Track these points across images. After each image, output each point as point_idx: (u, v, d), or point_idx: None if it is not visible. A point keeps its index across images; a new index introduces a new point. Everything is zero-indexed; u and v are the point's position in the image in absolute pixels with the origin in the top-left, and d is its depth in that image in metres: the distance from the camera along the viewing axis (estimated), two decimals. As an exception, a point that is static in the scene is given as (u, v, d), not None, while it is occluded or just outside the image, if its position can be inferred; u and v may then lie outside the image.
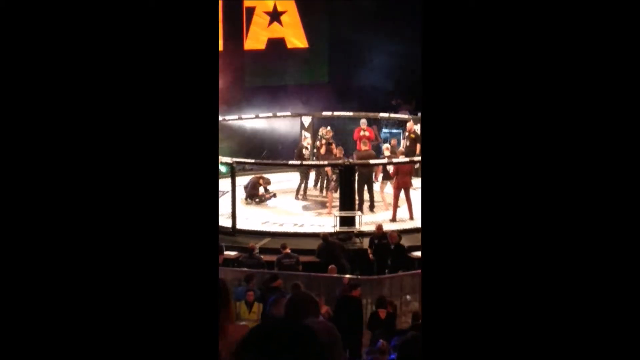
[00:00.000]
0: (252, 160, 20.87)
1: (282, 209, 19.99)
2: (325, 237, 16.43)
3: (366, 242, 16.99)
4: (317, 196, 20.85)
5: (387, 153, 19.69)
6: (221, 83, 23.23)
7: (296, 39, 26.60)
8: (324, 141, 20.44)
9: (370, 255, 16.34)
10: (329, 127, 21.13)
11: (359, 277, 15.29)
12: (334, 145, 20.18)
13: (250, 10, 26.09)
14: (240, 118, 23.35)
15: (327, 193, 20.04)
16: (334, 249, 16.28)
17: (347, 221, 17.68)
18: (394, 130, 23.84)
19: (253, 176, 20.77)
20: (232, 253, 16.50)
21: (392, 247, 16.10)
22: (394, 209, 18.73)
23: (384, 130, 23.94)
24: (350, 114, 23.19)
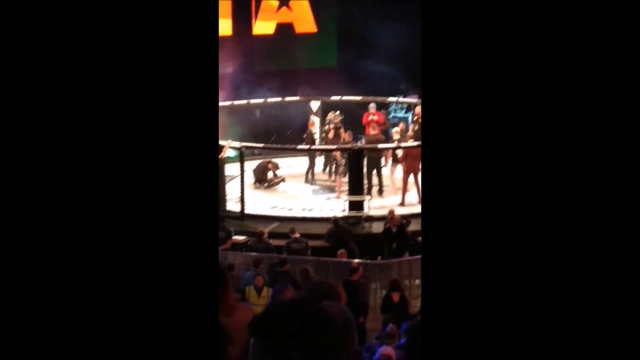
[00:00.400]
0: (261, 145, 20.86)
1: (291, 193, 20.00)
2: (336, 221, 16.43)
3: (375, 226, 16.99)
4: (326, 180, 20.85)
5: (396, 137, 19.67)
6: (230, 68, 23.24)
7: (305, 24, 26.55)
8: (332, 125, 20.42)
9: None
10: (337, 112, 21.12)
11: (368, 261, 15.29)
12: (342, 130, 20.17)
13: (259, -5, 26.07)
14: (249, 103, 23.33)
15: (336, 177, 20.04)
16: (343, 233, 16.28)
17: (356, 205, 17.70)
18: (403, 115, 23.81)
19: (262, 160, 20.78)
20: (241, 237, 16.51)
21: (395, 230, 16.10)
22: (402, 194, 18.73)
23: (392, 114, 23.90)
24: (359, 98, 23.16)
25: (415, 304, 13.80)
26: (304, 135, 21.11)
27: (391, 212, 16.54)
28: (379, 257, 15.83)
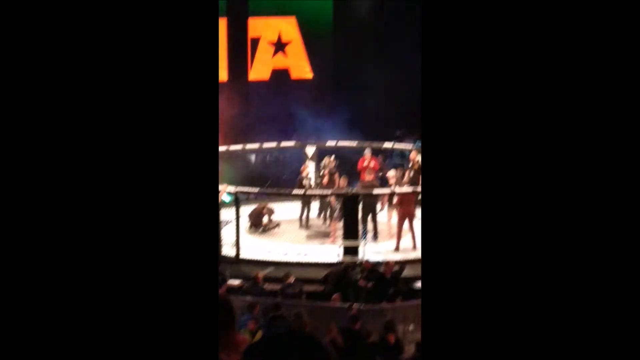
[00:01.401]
0: (256, 190, 20.89)
1: (286, 238, 19.97)
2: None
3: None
4: (320, 226, 20.84)
5: (392, 182, 19.71)
6: (226, 113, 23.31)
7: (300, 70, 26.68)
8: (327, 171, 20.45)
9: (361, 282, 16.26)
10: (332, 157, 21.16)
11: (362, 307, 15.25)
12: (337, 175, 20.21)
13: (255, 41, 26.19)
14: (244, 148, 23.38)
15: (330, 223, 20.04)
16: (345, 278, 16.23)
17: (350, 251, 17.69)
18: (400, 160, 23.82)
19: (257, 205, 20.79)
20: (236, 282, 16.49)
21: (389, 277, 16.10)
22: (397, 239, 18.74)
23: (389, 160, 23.90)
24: (354, 144, 23.21)
25: (410, 349, 13.75)
26: (297, 181, 21.12)
27: (367, 262, 16.61)
28: (354, 304, 15.75)
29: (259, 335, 12.88)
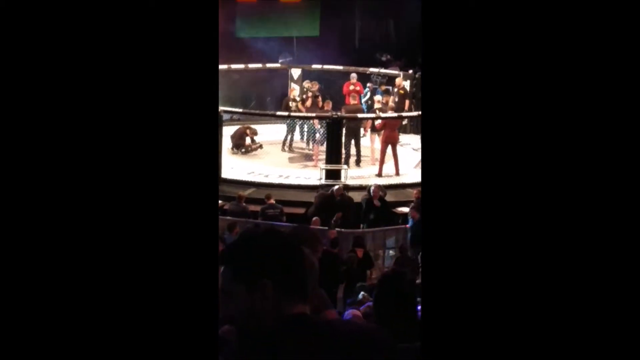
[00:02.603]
0: (240, 110, 20.81)
1: (268, 160, 19.96)
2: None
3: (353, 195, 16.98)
4: (303, 149, 20.83)
5: (377, 106, 19.63)
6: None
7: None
8: (309, 94, 20.39)
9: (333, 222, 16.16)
10: (314, 80, 21.11)
11: (342, 230, 15.30)
12: (320, 98, 20.16)
13: (243, -38, 25.89)
14: (229, 68, 23.25)
15: (313, 146, 20.02)
16: (333, 202, 16.22)
17: (332, 174, 17.68)
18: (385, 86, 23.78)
19: (240, 126, 20.73)
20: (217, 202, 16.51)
21: (375, 202, 16.12)
22: (380, 164, 18.72)
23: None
24: (340, 68, 23.13)
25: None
26: (283, 103, 21.07)
27: (338, 189, 16.55)
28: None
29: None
